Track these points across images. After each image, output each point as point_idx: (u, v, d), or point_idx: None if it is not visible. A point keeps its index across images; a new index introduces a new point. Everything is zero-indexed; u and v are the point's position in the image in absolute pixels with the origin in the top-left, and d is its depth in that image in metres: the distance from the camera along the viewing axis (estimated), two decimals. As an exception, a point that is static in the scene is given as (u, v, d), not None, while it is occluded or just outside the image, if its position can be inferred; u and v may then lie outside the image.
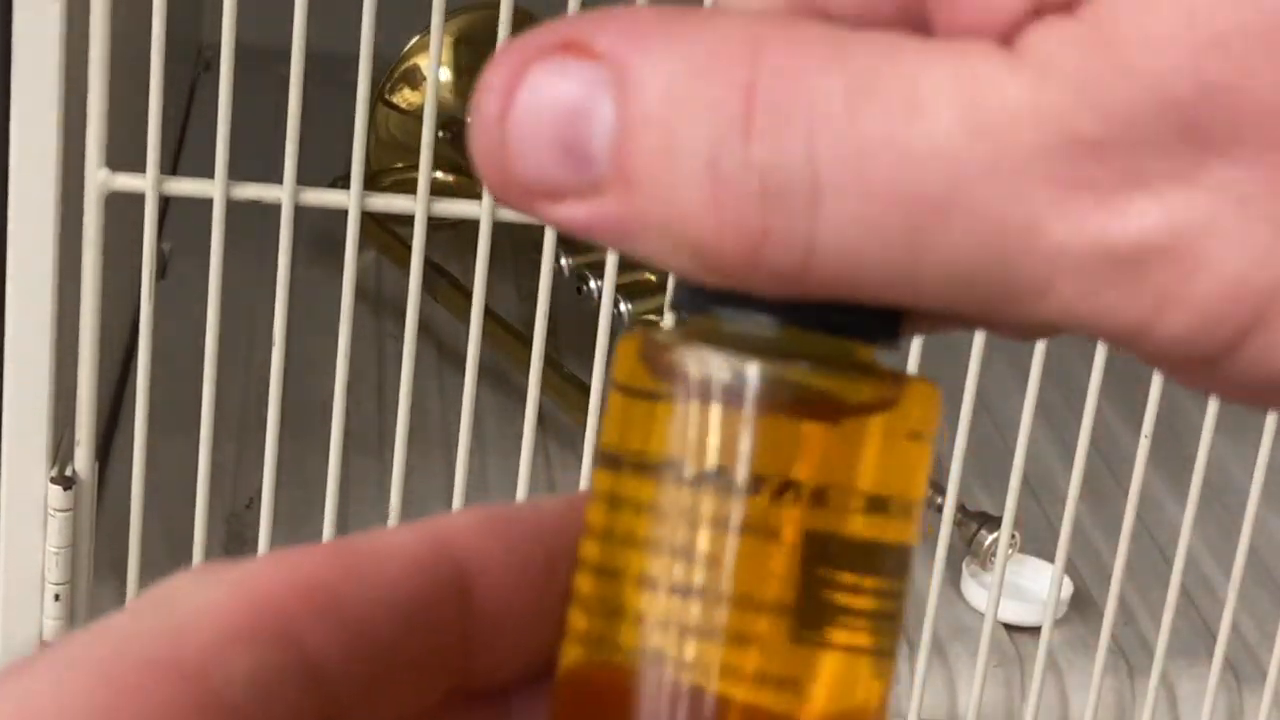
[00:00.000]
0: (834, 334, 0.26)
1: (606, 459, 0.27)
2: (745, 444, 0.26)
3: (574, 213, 0.25)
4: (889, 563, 0.27)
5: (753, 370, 0.26)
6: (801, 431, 0.26)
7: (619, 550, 0.27)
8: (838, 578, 0.26)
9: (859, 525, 0.26)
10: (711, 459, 0.26)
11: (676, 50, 0.24)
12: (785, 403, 0.26)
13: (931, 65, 0.23)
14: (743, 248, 0.24)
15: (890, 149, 0.23)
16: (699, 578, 0.26)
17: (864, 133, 0.23)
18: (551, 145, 0.24)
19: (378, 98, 1.11)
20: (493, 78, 0.25)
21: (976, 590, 0.91)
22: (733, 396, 0.26)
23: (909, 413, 0.27)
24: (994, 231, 0.23)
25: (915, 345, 0.79)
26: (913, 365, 0.80)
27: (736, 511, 0.26)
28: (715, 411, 0.26)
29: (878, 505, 0.26)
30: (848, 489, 0.26)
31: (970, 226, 0.23)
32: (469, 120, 0.25)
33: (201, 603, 0.25)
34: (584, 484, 0.82)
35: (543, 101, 0.24)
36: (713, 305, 0.26)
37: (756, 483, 0.26)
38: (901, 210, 0.23)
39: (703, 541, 0.26)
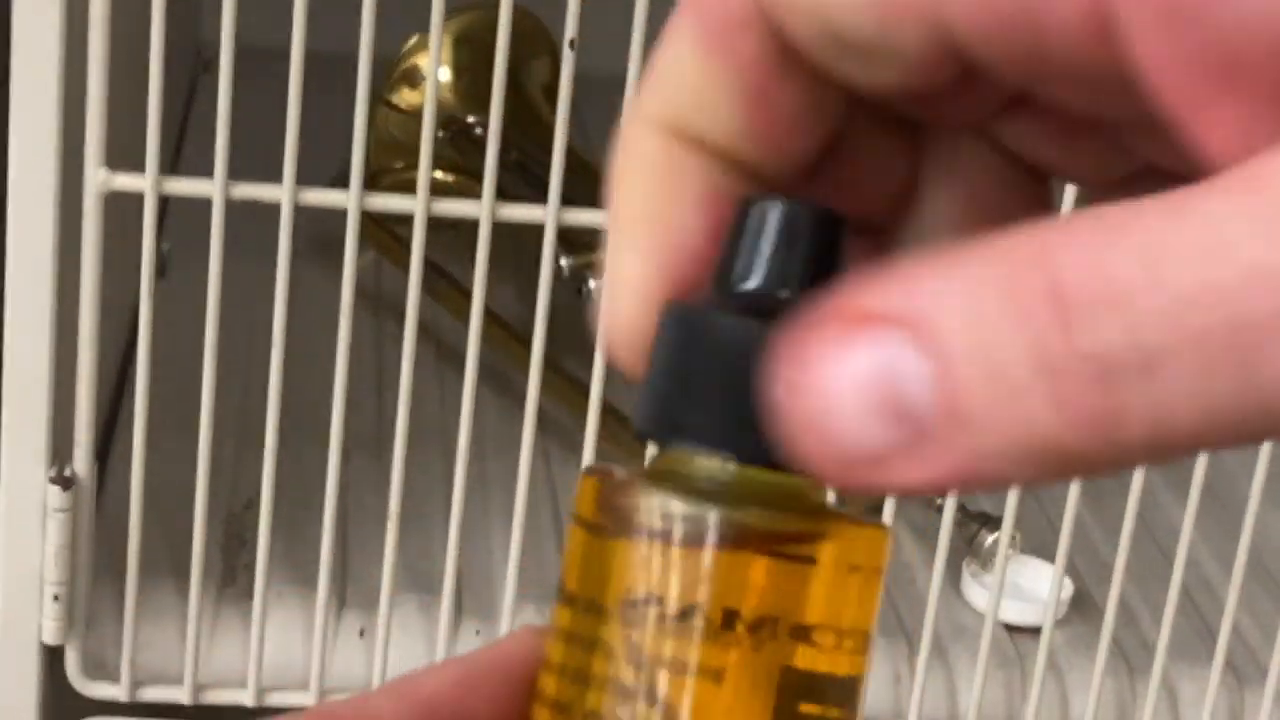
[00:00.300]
0: (797, 472, 0.27)
1: (564, 595, 0.28)
2: (696, 587, 0.27)
3: (908, 473, 0.25)
4: (840, 693, 0.28)
5: (704, 515, 0.27)
6: (751, 574, 0.27)
7: (573, 686, 0.28)
8: (790, 713, 0.27)
9: (809, 660, 0.27)
10: (659, 598, 0.27)
11: (960, 285, 0.25)
12: (736, 546, 0.27)
13: (1217, 204, 0.24)
14: (1098, 433, 0.24)
15: (1204, 292, 0.23)
16: (649, 716, 0.27)
17: (1174, 289, 0.24)
18: (875, 416, 0.25)
19: (378, 98, 1.11)
20: (789, 377, 0.25)
21: (977, 591, 0.91)
22: (684, 541, 0.27)
23: (857, 551, 0.28)
24: None
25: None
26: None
27: (683, 651, 0.27)
28: (667, 555, 0.27)
29: (826, 639, 0.27)
30: (797, 626, 0.27)
31: None
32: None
33: None
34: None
35: (854, 381, 0.25)
36: (678, 440, 0.27)
37: (702, 622, 0.27)
38: (1232, 344, 0.24)
39: (650, 679, 0.27)
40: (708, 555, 0.27)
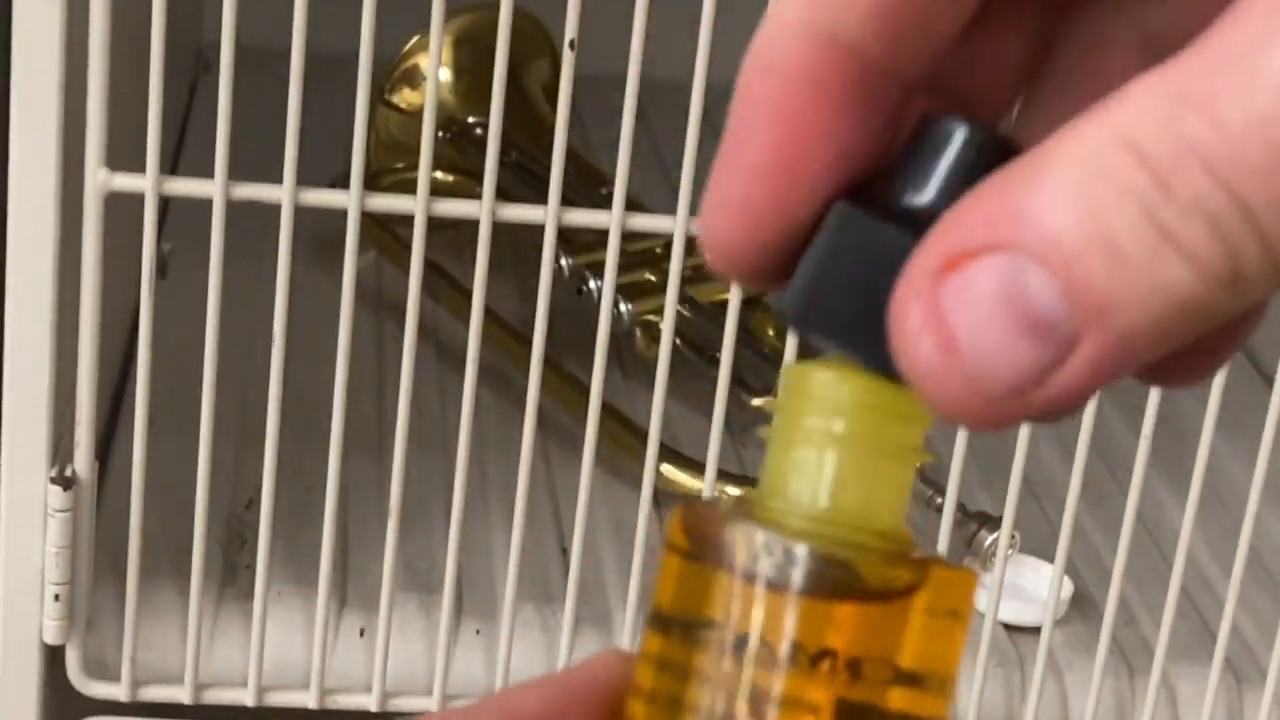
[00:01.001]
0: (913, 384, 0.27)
1: (657, 622, 0.29)
2: (787, 620, 0.27)
3: (1069, 379, 0.26)
4: None
5: (796, 550, 0.27)
6: (850, 616, 0.27)
7: (663, 713, 0.28)
8: None
9: (894, 699, 0.28)
10: (754, 632, 0.27)
11: (1055, 185, 0.25)
12: (827, 582, 0.27)
13: (1241, 36, 0.25)
14: (1228, 275, 0.25)
15: (1252, 125, 0.24)
16: None
17: (1232, 130, 0.24)
18: (1018, 340, 0.25)
19: (378, 98, 1.11)
20: (915, 329, 0.26)
21: (976, 590, 0.91)
22: (777, 574, 0.27)
23: (943, 594, 0.28)
24: None
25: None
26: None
27: (776, 684, 0.27)
28: (760, 587, 0.27)
29: (911, 680, 0.28)
30: (884, 665, 0.28)
31: None
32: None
33: None
34: (584, 485, 0.82)
35: (982, 314, 0.25)
36: (814, 332, 0.27)
37: (797, 657, 0.27)
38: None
39: (742, 711, 0.27)
40: (807, 596, 0.27)
